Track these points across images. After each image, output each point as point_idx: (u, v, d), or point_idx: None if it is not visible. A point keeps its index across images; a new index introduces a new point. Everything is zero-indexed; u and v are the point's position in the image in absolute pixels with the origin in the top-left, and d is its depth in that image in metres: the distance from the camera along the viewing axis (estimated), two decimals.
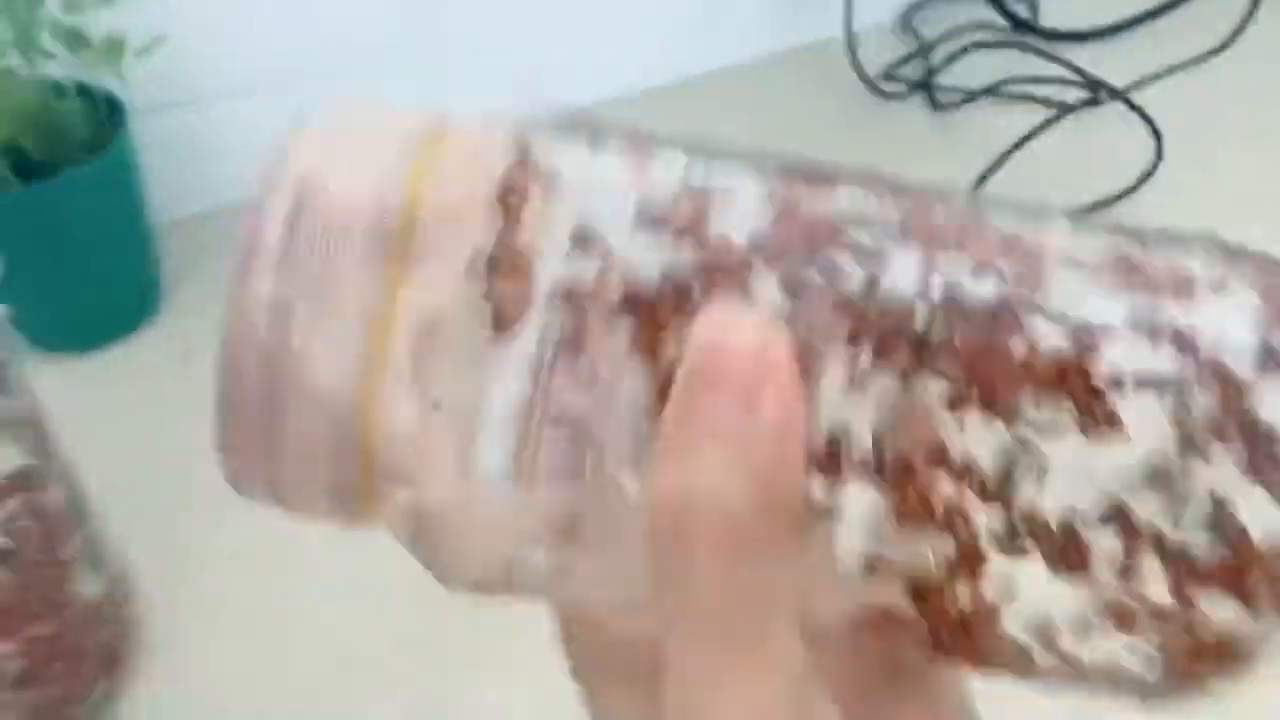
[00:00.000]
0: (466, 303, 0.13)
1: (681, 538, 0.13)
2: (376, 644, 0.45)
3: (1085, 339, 0.13)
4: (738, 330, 0.13)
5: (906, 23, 0.74)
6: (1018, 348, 0.13)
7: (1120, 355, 0.13)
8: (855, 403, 0.13)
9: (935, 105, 0.68)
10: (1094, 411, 0.13)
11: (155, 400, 0.55)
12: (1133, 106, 0.65)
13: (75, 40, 0.49)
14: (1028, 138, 0.64)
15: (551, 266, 0.13)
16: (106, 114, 0.53)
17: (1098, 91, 0.67)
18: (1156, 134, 0.63)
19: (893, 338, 0.13)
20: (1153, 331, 0.13)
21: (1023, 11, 0.73)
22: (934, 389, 0.13)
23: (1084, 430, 0.13)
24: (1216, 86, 0.66)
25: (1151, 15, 0.72)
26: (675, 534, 0.13)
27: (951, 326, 0.13)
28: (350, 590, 0.47)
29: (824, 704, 0.14)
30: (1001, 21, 0.73)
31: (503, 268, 0.13)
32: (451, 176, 0.14)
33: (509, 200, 0.13)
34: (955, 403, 0.13)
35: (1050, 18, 0.73)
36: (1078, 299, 0.13)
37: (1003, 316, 0.13)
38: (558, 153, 0.14)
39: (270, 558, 0.48)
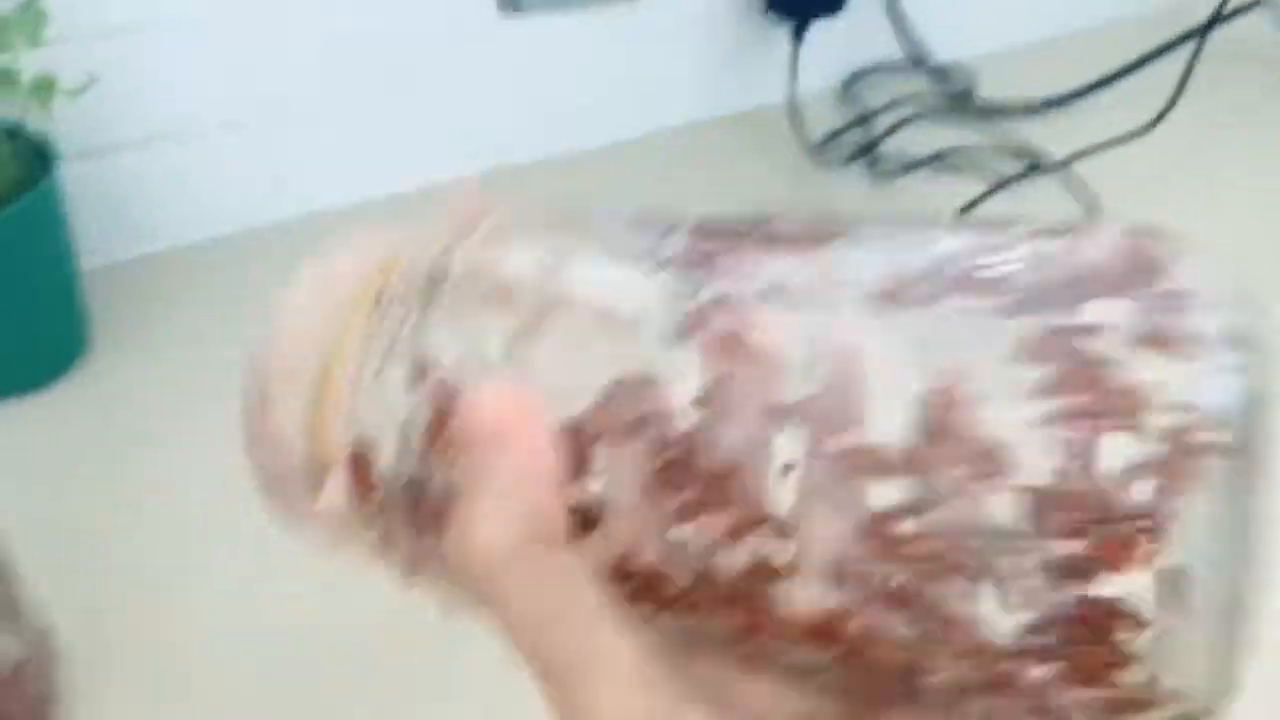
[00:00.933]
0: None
1: (488, 583, 0.16)
2: (303, 696, 0.44)
3: None
4: (479, 399, 0.16)
5: (849, 91, 0.75)
6: None
7: None
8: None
9: (875, 174, 0.69)
10: None
11: (78, 449, 0.53)
12: (1069, 177, 0.66)
13: (4, 79, 0.49)
14: (967, 207, 0.65)
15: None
16: (34, 157, 0.52)
17: (1035, 163, 0.68)
18: (1091, 205, 0.64)
19: None
20: None
21: (961, 84, 0.75)
22: None
23: None
24: (1150, 158, 0.67)
25: (1087, 90, 0.74)
26: (483, 581, 0.16)
27: None
28: (274, 643, 0.45)
29: (681, 703, 0.16)
30: (941, 93, 0.74)
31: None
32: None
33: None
34: None
35: (988, 90, 0.75)
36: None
37: None
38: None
39: (194, 611, 0.47)
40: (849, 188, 0.69)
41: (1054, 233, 0.16)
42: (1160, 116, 0.66)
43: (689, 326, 0.16)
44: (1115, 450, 0.14)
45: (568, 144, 0.70)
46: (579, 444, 0.16)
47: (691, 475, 0.15)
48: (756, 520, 0.15)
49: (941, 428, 0.14)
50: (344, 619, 0.47)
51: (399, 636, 0.45)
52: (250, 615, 0.47)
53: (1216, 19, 0.70)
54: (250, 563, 0.48)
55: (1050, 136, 0.70)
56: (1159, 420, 0.13)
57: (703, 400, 0.15)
